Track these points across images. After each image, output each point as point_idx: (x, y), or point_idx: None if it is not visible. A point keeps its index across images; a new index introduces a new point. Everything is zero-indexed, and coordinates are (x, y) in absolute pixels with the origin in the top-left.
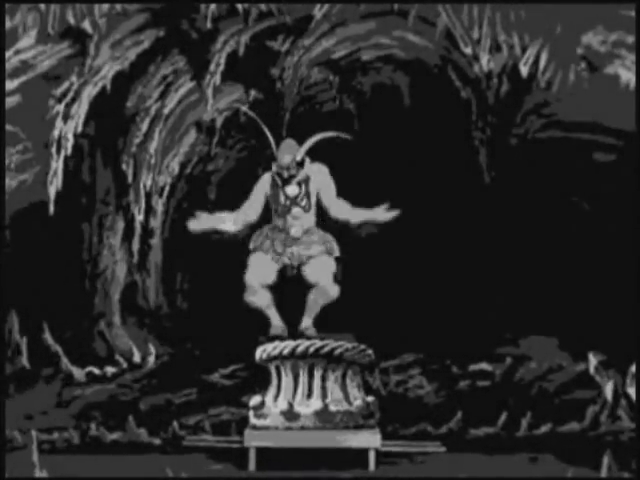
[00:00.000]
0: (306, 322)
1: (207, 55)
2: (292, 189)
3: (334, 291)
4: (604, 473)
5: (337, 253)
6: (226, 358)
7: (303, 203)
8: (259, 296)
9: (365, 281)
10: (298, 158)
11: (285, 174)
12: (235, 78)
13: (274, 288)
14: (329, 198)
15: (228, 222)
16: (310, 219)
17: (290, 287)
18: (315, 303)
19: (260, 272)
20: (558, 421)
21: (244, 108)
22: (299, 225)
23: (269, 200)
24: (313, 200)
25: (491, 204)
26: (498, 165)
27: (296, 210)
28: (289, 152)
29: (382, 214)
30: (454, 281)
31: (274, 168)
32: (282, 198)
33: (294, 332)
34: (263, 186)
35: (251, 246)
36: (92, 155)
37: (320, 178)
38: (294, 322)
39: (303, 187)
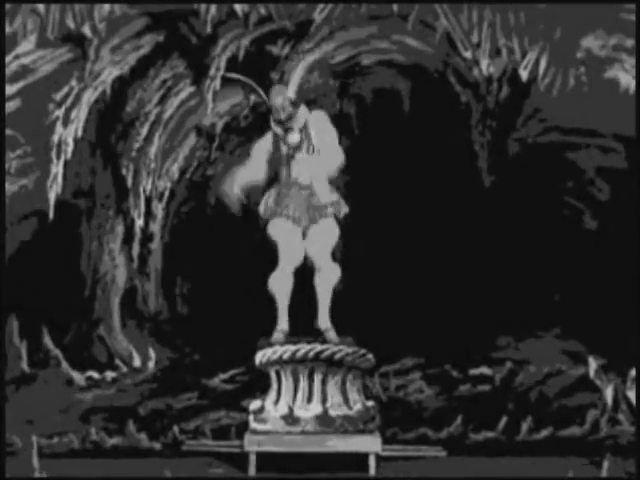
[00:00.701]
0: (324, 322)
1: (207, 59)
2: (293, 136)
3: (335, 273)
4: (604, 476)
5: (345, 210)
6: (226, 362)
7: (306, 148)
8: (285, 283)
9: (365, 285)
10: (291, 94)
11: (282, 115)
12: (235, 82)
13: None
14: (323, 142)
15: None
16: (317, 165)
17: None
18: (324, 292)
19: (292, 252)
20: (558, 425)
21: (233, 75)
22: (305, 171)
23: (273, 161)
24: (316, 145)
25: (491, 208)
26: (498, 169)
27: (300, 156)
28: (280, 93)
29: None
30: (454, 285)
31: (271, 118)
32: (284, 148)
33: (312, 331)
34: (265, 142)
35: (261, 211)
36: (92, 159)
37: (318, 122)
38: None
39: (303, 133)
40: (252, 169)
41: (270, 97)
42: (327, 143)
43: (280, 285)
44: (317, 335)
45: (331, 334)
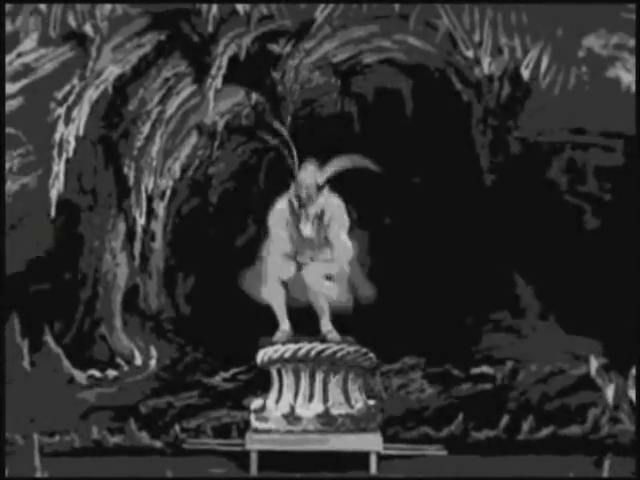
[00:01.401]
0: (326, 325)
1: (208, 58)
2: (306, 229)
3: (332, 293)
4: (605, 475)
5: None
6: (227, 361)
7: (317, 243)
8: (277, 293)
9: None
10: (320, 180)
11: (303, 194)
12: (236, 81)
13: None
14: (336, 235)
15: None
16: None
17: None
18: (320, 307)
19: (279, 265)
20: (559, 424)
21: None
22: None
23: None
24: (329, 235)
25: (492, 207)
26: (499, 168)
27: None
28: (311, 174)
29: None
30: (455, 284)
31: (292, 189)
32: (296, 234)
33: (315, 336)
34: (281, 217)
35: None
36: (94, 158)
37: (334, 211)
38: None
39: (317, 223)
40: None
41: (301, 171)
42: (338, 237)
43: (272, 296)
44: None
45: (332, 335)
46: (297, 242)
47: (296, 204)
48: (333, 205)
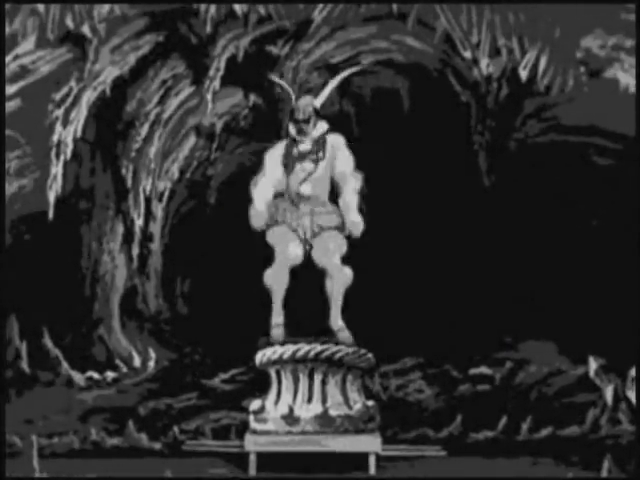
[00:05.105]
0: (337, 321)
1: (206, 59)
2: (304, 146)
3: (346, 275)
4: (604, 476)
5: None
6: (226, 362)
7: (314, 157)
8: (281, 278)
9: (365, 285)
10: (317, 103)
11: (301, 116)
12: (235, 82)
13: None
14: (346, 168)
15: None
16: (323, 186)
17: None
18: (336, 295)
19: (287, 251)
20: (558, 425)
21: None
22: (309, 183)
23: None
24: (338, 168)
25: (491, 208)
26: (498, 169)
27: (304, 166)
28: (306, 98)
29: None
30: (454, 285)
31: (290, 118)
32: (295, 152)
33: (325, 331)
34: (276, 150)
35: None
36: (91, 160)
37: (340, 147)
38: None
39: (316, 146)
40: (270, 181)
41: (296, 100)
42: (349, 171)
43: (275, 279)
44: (329, 335)
45: (343, 334)
46: (292, 162)
47: (294, 131)
48: (338, 140)
